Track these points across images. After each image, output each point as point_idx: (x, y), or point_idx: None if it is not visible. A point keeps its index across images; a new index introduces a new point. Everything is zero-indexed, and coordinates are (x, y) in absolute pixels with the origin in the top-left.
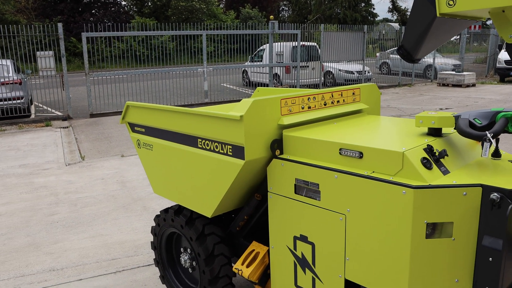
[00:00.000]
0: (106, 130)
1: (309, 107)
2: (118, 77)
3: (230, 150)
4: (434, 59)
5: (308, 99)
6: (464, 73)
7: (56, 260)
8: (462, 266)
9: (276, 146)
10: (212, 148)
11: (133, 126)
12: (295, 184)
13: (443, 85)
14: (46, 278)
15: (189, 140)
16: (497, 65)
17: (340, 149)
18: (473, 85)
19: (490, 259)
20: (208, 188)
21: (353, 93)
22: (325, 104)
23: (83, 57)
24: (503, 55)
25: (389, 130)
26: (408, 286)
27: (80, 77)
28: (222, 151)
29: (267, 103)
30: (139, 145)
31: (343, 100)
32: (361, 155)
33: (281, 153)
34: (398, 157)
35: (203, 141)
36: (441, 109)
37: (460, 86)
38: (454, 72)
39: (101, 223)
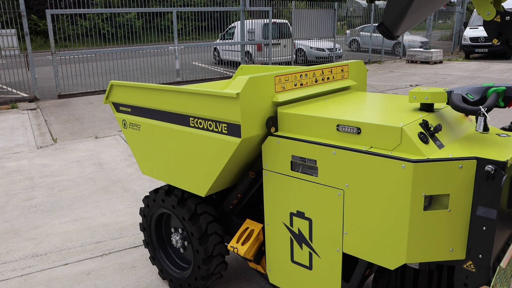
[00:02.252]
0: (76, 111)
1: (301, 84)
2: (86, 56)
3: (225, 128)
4: (402, 36)
5: (300, 76)
6: (432, 50)
7: (39, 245)
8: (456, 236)
9: (272, 123)
10: (205, 127)
11: (117, 106)
12: (291, 161)
13: (412, 62)
14: (29, 264)
15: (180, 119)
16: (463, 42)
17: (337, 125)
18: (440, 61)
19: (484, 228)
20: (201, 167)
21: (342, 70)
22: (316, 81)
23: (45, 35)
24: (469, 33)
25: (382, 106)
26: (406, 257)
27: (44, 57)
28: (217, 130)
29: (262, 80)
30: (125, 125)
31: (333, 77)
32: (359, 131)
33: (276, 130)
34: (396, 132)
35: (196, 119)
36: (411, 85)
37: (428, 63)
38: (422, 49)
39: (82, 206)
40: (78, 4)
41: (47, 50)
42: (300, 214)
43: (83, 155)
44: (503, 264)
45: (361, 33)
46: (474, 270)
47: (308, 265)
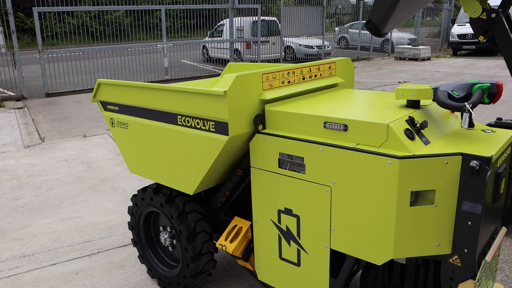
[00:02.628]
0: (64, 110)
1: (289, 82)
2: (74, 55)
3: (213, 126)
4: (391, 33)
5: (287, 74)
6: (420, 47)
7: (26, 245)
8: (442, 231)
9: (259, 121)
10: (193, 125)
11: (105, 105)
12: (279, 158)
13: (400, 58)
14: (17, 265)
15: (168, 117)
16: (451, 39)
17: (324, 123)
18: (428, 58)
19: (469, 223)
20: (189, 166)
21: (329, 67)
22: (303, 79)
23: (32, 33)
24: (456, 30)
25: (369, 103)
26: (393, 252)
27: (31, 55)
28: (204, 128)
29: (250, 78)
30: (112, 124)
31: (320, 74)
32: (345, 128)
33: (264, 128)
34: (383, 129)
35: (183, 118)
36: (399, 82)
37: (416, 59)
38: (410, 46)
39: (70, 206)
40: (65, 2)
41: (34, 48)
42: (288, 211)
43: (71, 154)
44: (488, 258)
45: (350, 30)
46: (460, 264)
47: (296, 262)
